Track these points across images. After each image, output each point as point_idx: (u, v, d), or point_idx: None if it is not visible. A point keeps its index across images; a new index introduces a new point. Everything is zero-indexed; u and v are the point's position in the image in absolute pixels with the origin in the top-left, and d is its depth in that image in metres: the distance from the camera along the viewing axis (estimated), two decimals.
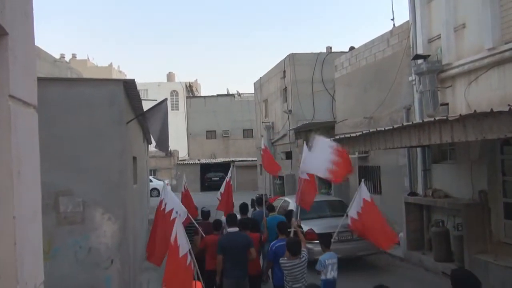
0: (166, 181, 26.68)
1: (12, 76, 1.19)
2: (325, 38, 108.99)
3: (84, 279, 6.60)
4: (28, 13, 1.35)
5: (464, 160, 9.07)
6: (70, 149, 6.63)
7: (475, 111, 5.51)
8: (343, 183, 14.65)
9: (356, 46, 14.62)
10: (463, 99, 8.77)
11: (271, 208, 8.69)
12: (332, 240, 6.35)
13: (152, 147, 19.93)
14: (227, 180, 10.20)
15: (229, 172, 11.17)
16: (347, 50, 16.34)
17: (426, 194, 9.94)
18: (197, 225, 7.47)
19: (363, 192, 6.72)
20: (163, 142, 7.84)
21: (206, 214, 8.68)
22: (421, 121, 7.01)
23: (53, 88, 6.76)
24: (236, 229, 6.63)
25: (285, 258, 5.58)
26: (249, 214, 8.98)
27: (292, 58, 18.92)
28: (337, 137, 10.11)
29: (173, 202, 6.85)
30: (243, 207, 8.63)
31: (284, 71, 19.77)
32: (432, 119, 6.38)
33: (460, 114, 5.67)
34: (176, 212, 6.59)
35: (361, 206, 6.59)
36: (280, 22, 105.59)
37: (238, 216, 7.67)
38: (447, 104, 9.29)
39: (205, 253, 6.93)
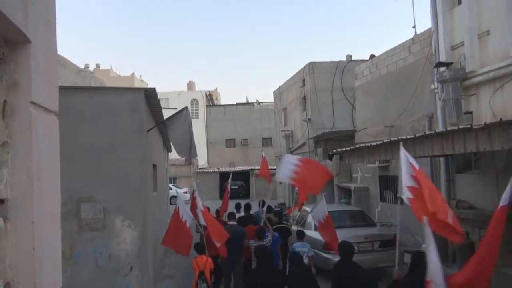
0: (184, 190, 26.99)
1: (34, 83, 1.21)
2: (345, 47, 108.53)
3: (104, 285, 6.67)
4: (51, 21, 1.37)
5: (489, 170, 8.80)
6: (92, 156, 6.75)
7: (501, 119, 5.35)
8: (363, 193, 14.44)
9: (377, 54, 14.48)
10: (488, 107, 8.54)
11: (268, 210, 10.69)
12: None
13: (172, 155, 20.12)
14: (226, 188, 12.11)
15: (229, 180, 12.91)
16: (368, 58, 16.19)
17: (450, 205, 9.67)
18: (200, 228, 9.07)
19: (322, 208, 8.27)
20: (184, 150, 8.00)
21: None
22: (444, 129, 6.85)
23: (76, 96, 6.92)
24: (235, 223, 8.45)
25: (253, 241, 7.68)
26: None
27: (312, 67, 18.87)
28: (357, 145, 9.98)
29: (185, 211, 8.58)
30: (237, 206, 11.02)
31: (304, 80, 19.72)
32: (456, 127, 6.23)
33: (485, 123, 5.51)
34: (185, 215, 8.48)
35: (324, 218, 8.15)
36: (300, 30, 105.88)
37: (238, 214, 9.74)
38: (471, 112, 9.07)
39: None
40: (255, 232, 7.80)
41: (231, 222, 8.40)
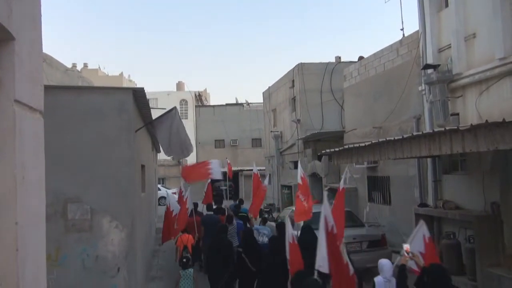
0: (173, 190, 26.91)
1: (18, 81, 1.19)
2: (334, 48, 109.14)
3: (91, 287, 6.59)
4: (36, 19, 1.35)
5: (475, 171, 8.92)
6: (79, 156, 6.67)
7: (486, 121, 5.43)
8: (352, 193, 14.52)
9: (365, 56, 14.59)
10: (474, 109, 8.66)
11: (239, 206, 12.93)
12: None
13: (160, 156, 19.96)
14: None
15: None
16: (356, 60, 16.30)
17: (436, 206, 9.78)
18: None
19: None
20: (173, 150, 8.01)
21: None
22: (431, 131, 6.92)
23: (63, 96, 6.83)
24: (211, 213, 11.08)
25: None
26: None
27: (301, 68, 18.93)
28: (346, 146, 10.03)
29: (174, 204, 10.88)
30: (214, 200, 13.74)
31: (293, 81, 19.77)
32: (443, 129, 6.29)
33: (471, 124, 5.58)
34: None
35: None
36: (289, 32, 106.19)
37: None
38: (457, 114, 9.19)
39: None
40: (225, 218, 9.93)
41: (208, 213, 11.01)
